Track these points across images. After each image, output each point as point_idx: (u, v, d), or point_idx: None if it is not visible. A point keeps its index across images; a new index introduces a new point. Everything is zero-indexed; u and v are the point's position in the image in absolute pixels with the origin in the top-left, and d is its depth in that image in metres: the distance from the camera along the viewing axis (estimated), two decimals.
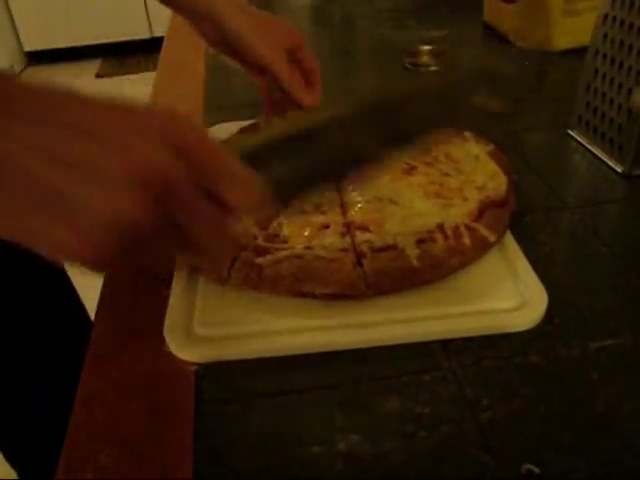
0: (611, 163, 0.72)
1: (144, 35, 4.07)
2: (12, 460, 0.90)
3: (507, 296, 0.53)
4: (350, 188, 0.61)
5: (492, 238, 0.56)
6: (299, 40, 0.77)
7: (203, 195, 0.34)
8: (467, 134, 0.69)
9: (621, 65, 0.70)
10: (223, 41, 0.74)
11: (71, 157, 0.31)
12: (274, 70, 0.73)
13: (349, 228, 0.56)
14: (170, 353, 0.51)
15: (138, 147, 0.32)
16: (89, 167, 0.31)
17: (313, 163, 0.41)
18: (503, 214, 0.58)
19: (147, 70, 3.89)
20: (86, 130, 0.32)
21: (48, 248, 0.32)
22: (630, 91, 0.68)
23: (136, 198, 0.31)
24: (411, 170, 0.62)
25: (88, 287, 0.78)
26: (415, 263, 0.53)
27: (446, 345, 0.50)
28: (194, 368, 0.50)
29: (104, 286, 0.59)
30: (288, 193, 0.40)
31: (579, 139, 0.78)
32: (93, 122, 0.32)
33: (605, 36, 0.72)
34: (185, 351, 0.50)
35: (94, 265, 0.33)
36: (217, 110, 0.92)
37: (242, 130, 0.74)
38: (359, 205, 0.59)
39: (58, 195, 0.31)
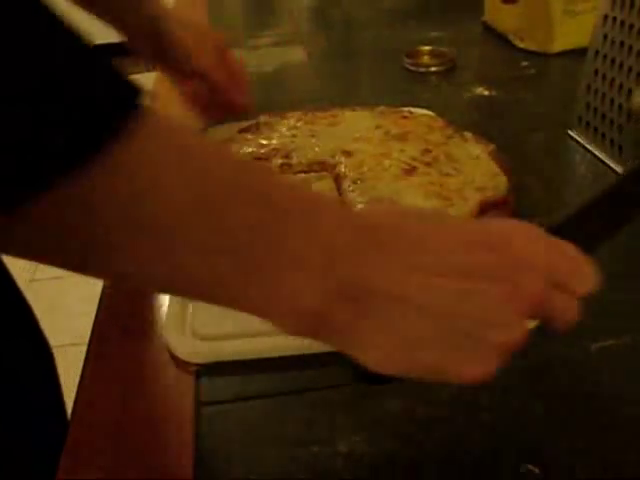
0: (611, 164, 0.72)
1: None
2: None
3: None
4: (350, 188, 0.61)
5: None
6: (222, 39, 0.77)
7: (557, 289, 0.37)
8: (467, 134, 0.69)
9: (621, 66, 0.70)
10: (159, 53, 0.73)
11: (478, 301, 0.34)
12: (211, 76, 0.73)
13: None
14: (170, 354, 0.51)
15: (521, 284, 0.35)
16: (489, 310, 0.34)
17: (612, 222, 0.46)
18: (503, 214, 0.58)
19: (147, 70, 3.89)
20: (478, 273, 0.34)
21: (454, 380, 0.35)
22: (630, 91, 0.68)
23: (524, 324, 0.35)
24: (411, 170, 0.62)
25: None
26: None
27: None
28: (194, 368, 0.50)
29: (105, 287, 0.59)
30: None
31: (579, 139, 0.78)
32: (480, 264, 0.35)
33: (605, 37, 0.72)
34: (184, 351, 0.50)
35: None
36: None
37: (242, 130, 0.74)
38: (359, 206, 0.59)
39: (467, 335, 0.34)
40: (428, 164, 0.63)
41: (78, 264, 0.30)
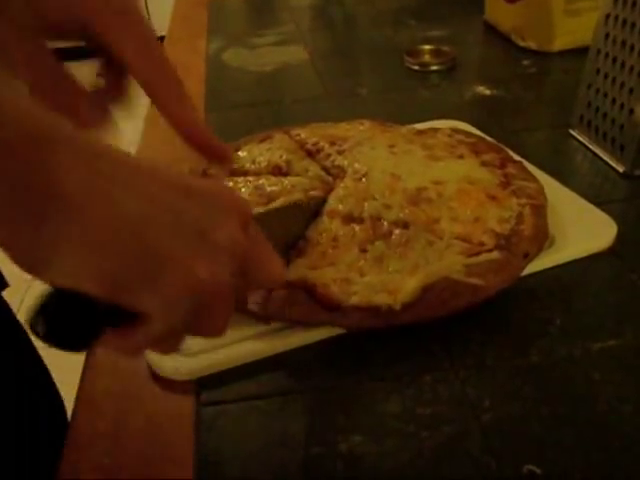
0: (612, 163, 0.72)
1: None
2: None
3: None
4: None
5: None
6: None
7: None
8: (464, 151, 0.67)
9: (623, 65, 0.70)
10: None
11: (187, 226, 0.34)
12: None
13: None
14: (153, 372, 0.50)
15: (229, 225, 0.36)
16: (212, 205, 0.35)
17: None
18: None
19: None
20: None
21: (181, 278, 0.34)
22: (632, 90, 0.68)
23: (226, 263, 0.36)
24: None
25: None
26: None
27: (447, 345, 0.50)
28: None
29: None
30: None
31: (580, 139, 0.77)
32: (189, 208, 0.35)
33: (607, 36, 0.72)
34: (168, 369, 0.49)
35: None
36: (217, 110, 0.92)
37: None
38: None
39: (192, 226, 0.34)
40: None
41: None
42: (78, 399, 0.48)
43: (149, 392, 0.49)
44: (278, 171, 0.66)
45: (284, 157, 0.67)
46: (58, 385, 0.74)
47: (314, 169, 0.66)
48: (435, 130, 0.72)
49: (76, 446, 0.45)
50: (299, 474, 0.42)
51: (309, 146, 0.69)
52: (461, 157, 0.66)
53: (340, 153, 0.67)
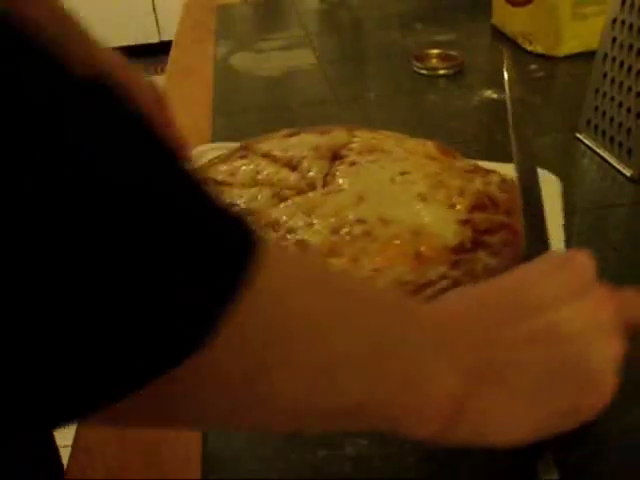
0: (620, 167, 0.72)
1: (153, 39, 4.09)
2: None
3: None
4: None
5: None
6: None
7: None
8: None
9: (630, 69, 0.70)
10: None
11: (577, 323, 0.35)
12: None
13: None
14: None
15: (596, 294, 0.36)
16: (590, 326, 0.35)
17: None
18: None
19: (156, 73, 3.90)
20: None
21: (586, 416, 0.36)
22: (639, 95, 0.68)
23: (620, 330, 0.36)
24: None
25: None
26: None
27: None
28: None
29: None
30: None
31: (588, 143, 0.77)
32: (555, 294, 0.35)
33: (614, 40, 0.72)
34: None
35: None
36: (225, 114, 0.92)
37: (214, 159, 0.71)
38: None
39: (581, 359, 0.35)
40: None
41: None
42: None
43: None
44: (290, 165, 0.66)
45: (305, 154, 0.67)
46: None
47: (316, 171, 0.65)
48: (485, 173, 0.64)
49: (83, 448, 0.45)
50: (307, 476, 0.42)
51: (343, 150, 0.68)
52: (452, 207, 0.59)
53: (352, 164, 0.65)
